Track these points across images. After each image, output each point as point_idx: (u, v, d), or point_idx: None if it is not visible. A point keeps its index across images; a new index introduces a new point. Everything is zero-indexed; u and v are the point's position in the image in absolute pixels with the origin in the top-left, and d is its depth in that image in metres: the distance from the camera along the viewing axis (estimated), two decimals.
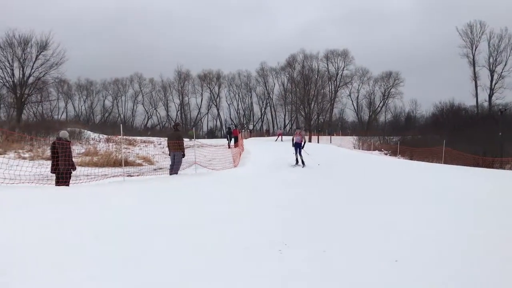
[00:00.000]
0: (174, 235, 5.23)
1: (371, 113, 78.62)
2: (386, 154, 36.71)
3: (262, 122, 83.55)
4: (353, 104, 79.65)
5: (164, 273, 3.77)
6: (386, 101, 77.03)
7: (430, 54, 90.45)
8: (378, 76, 76.60)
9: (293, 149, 16.77)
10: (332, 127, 69.89)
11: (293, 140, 16.85)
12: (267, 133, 68.24)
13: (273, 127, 78.25)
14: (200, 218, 6.37)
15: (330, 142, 44.75)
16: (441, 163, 25.71)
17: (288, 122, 78.64)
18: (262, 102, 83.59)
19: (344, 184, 11.97)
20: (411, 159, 30.59)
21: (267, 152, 21.35)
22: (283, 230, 5.63)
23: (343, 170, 16.70)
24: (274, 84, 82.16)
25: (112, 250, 4.41)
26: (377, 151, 38.23)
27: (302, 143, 16.56)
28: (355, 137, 49.53)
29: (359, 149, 40.26)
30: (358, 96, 79.22)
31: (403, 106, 77.05)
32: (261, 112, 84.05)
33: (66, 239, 4.75)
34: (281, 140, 42.32)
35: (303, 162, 16.29)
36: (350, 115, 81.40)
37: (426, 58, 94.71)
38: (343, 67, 75.52)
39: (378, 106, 78.31)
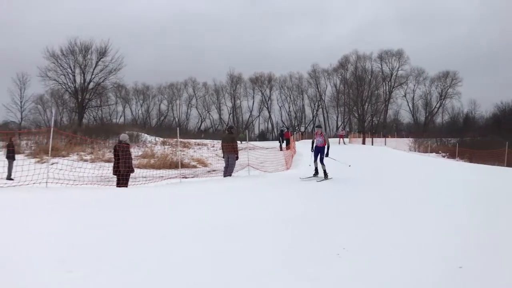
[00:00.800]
0: (236, 235, 5.28)
1: (427, 114, 76.00)
2: (443, 156, 35.29)
3: (314, 124, 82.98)
4: (408, 105, 77.29)
5: (228, 274, 3.80)
6: (443, 101, 74.27)
7: (490, 53, 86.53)
8: (435, 76, 74.11)
9: (312, 154, 12.83)
10: (387, 128, 68.12)
11: (313, 143, 12.83)
12: None
13: (325, 129, 77.34)
14: (258, 220, 6.38)
15: (385, 144, 43.61)
16: (504, 165, 24.42)
17: (341, 124, 77.51)
18: (314, 104, 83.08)
19: (397, 187, 11.57)
20: (470, 161, 29.22)
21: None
22: (341, 234, 5.49)
23: (395, 172, 16.12)
24: (326, 85, 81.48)
25: (173, 250, 4.52)
26: (434, 153, 36.84)
27: (326, 147, 12.54)
28: (410, 139, 47.99)
29: (415, 151, 38.95)
30: (413, 96, 76.84)
31: (461, 107, 73.63)
32: (312, 114, 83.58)
33: (129, 239, 4.92)
34: (344, 143, 38.49)
35: (325, 173, 12.35)
36: (405, 117, 78.97)
37: (485, 56, 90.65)
38: (398, 67, 73.76)
39: (435, 107, 75.63)
